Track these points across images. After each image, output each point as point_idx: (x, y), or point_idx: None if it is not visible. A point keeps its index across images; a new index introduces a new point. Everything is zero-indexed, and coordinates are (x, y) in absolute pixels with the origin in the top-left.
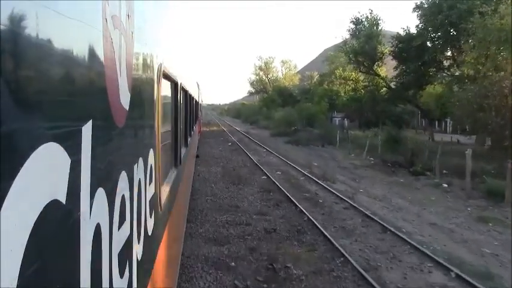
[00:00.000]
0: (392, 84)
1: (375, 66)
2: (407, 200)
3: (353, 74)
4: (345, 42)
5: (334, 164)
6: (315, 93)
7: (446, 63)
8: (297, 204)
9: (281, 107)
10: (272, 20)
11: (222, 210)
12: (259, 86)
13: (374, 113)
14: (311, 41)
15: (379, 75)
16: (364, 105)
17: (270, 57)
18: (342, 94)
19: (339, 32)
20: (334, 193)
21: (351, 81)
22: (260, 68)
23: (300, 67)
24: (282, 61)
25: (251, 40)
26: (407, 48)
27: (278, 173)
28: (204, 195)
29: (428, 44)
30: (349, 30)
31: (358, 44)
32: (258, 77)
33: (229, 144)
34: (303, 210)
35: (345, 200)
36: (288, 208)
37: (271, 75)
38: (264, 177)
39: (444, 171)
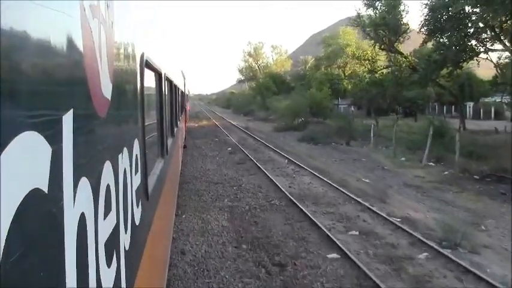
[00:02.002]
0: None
1: (397, 43)
2: None
3: (368, 52)
4: (358, 14)
5: (395, 180)
6: (313, 78)
7: (490, 33)
8: None
9: (276, 95)
10: (257, 8)
11: None
12: (249, 73)
13: (385, 98)
14: (296, 27)
15: (401, 53)
16: (387, 90)
17: (259, 43)
18: (343, 77)
19: (327, 18)
20: None
21: (367, 61)
22: (249, 54)
23: (288, 53)
24: (272, 46)
25: (237, 28)
26: (440, 17)
27: (352, 233)
28: None
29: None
30: None
31: (379, 14)
32: (247, 64)
33: (229, 149)
34: None
35: None
36: None
37: (261, 61)
38: (333, 255)
39: None
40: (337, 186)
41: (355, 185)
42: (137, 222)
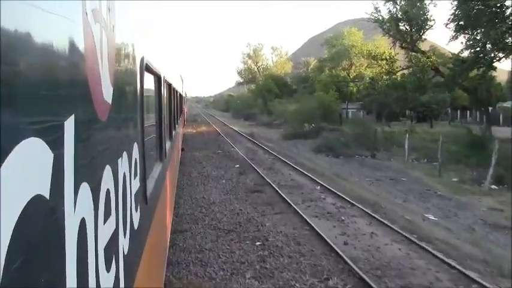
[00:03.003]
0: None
1: (418, 41)
2: None
3: (386, 51)
4: (376, 9)
5: (468, 216)
6: (316, 81)
7: None
8: None
9: (278, 98)
10: (254, 9)
11: None
12: (248, 76)
13: (407, 102)
14: (294, 30)
15: (424, 52)
16: (408, 93)
17: (259, 44)
18: (349, 79)
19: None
20: None
21: (384, 61)
22: (248, 56)
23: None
24: (272, 48)
25: (234, 30)
26: (472, 10)
27: None
28: None
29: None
30: None
31: (400, 7)
32: (246, 66)
33: (237, 166)
34: None
35: None
36: None
37: (260, 63)
38: None
39: None
40: (415, 241)
41: (428, 230)
42: (136, 227)
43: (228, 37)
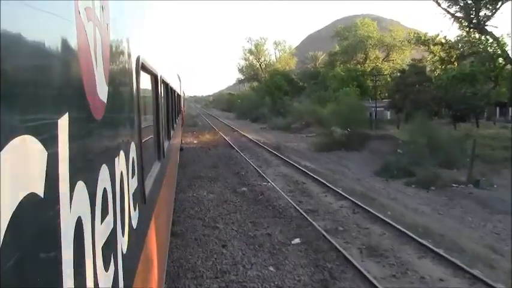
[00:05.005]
0: None
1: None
2: None
3: (439, 35)
4: None
5: None
6: (328, 76)
7: None
8: None
9: (286, 96)
10: (251, 9)
11: None
12: (250, 73)
13: (476, 100)
14: (291, 28)
15: (493, 35)
16: (478, 87)
17: (261, 38)
18: (367, 73)
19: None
20: None
21: (439, 47)
22: (250, 52)
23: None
24: (275, 42)
25: (231, 27)
26: None
27: None
28: None
29: None
30: None
31: None
32: (248, 62)
33: (297, 242)
34: None
35: None
36: None
37: (263, 59)
38: None
39: None
40: None
41: None
42: (134, 226)
43: (224, 35)
